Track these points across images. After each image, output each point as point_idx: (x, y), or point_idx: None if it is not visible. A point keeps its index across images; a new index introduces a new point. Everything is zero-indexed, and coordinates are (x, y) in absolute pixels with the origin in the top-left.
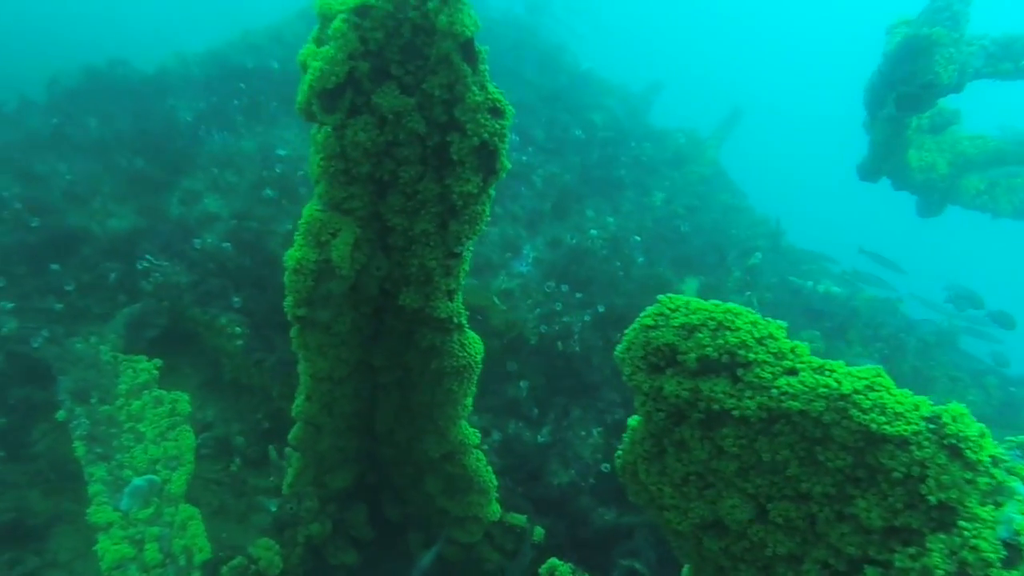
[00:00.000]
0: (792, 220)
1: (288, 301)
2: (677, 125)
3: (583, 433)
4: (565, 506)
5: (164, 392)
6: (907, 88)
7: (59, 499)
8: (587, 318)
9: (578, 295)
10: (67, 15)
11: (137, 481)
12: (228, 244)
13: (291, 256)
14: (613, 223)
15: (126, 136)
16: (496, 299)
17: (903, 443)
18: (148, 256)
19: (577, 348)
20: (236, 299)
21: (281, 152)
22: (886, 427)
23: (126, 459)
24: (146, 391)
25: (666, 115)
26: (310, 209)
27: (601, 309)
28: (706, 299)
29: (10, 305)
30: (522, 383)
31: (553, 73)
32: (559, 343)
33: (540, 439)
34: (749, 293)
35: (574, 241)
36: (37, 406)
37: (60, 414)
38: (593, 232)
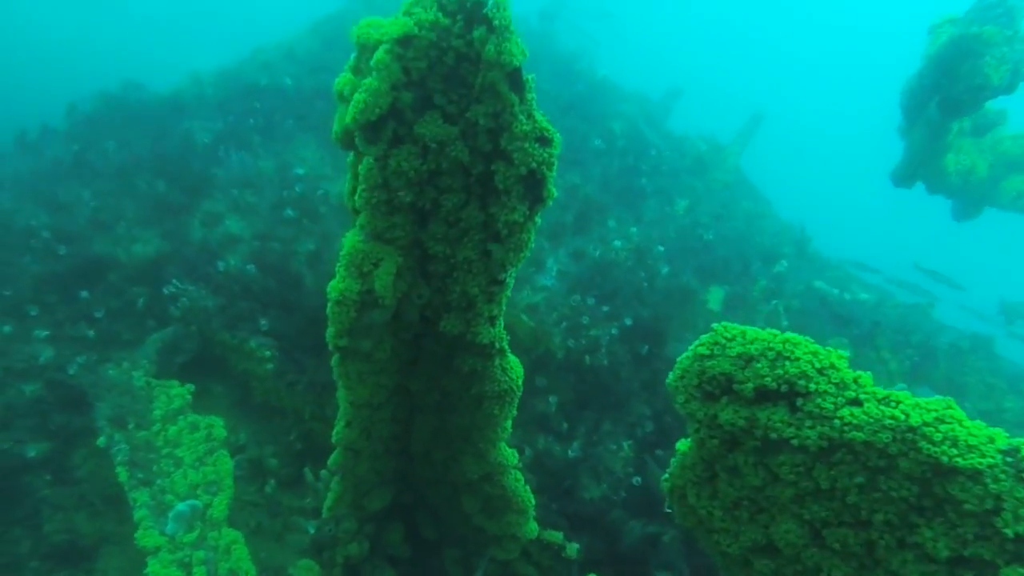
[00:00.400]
0: (817, 226)
1: (330, 331)
2: (696, 132)
3: (613, 447)
4: (599, 521)
5: (199, 417)
6: (953, 91)
7: (104, 522)
8: (614, 331)
9: (604, 308)
10: (82, 42)
11: (180, 507)
12: (252, 266)
13: (334, 288)
14: (636, 233)
15: (145, 160)
16: (523, 315)
17: (976, 475)
18: (175, 281)
19: (605, 361)
20: (263, 322)
21: (299, 171)
22: (958, 459)
23: (167, 484)
24: (181, 416)
25: (685, 122)
26: (352, 239)
27: (628, 322)
28: (732, 308)
29: (45, 333)
30: (551, 398)
31: (569, 81)
32: (587, 357)
33: (571, 454)
34: (776, 301)
35: (598, 253)
36: (76, 432)
37: (101, 440)
38: (617, 243)
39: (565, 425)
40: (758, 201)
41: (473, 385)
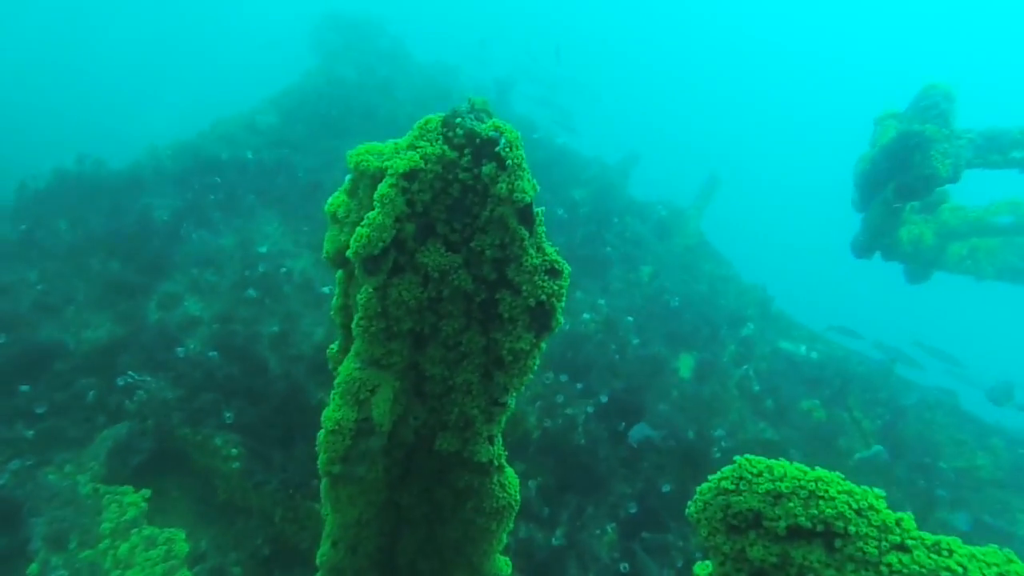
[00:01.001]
0: (778, 285)
1: (322, 459)
2: (653, 194)
3: (597, 531)
4: None
5: (156, 530)
6: (907, 179)
7: None
8: (590, 409)
9: (578, 385)
10: (38, 112)
11: None
12: (215, 353)
13: (329, 417)
14: (604, 304)
15: (99, 238)
16: None
17: None
18: (130, 372)
19: (583, 441)
20: (228, 414)
21: (262, 249)
22: None
23: None
24: (135, 529)
25: (642, 186)
26: (347, 367)
27: (604, 399)
28: (704, 376)
29: None
30: (530, 483)
31: (528, 150)
32: (564, 437)
33: (555, 541)
34: (746, 366)
35: (567, 327)
36: (3, 556)
37: (32, 568)
38: (586, 316)
39: (546, 510)
40: (720, 263)
41: (469, 500)
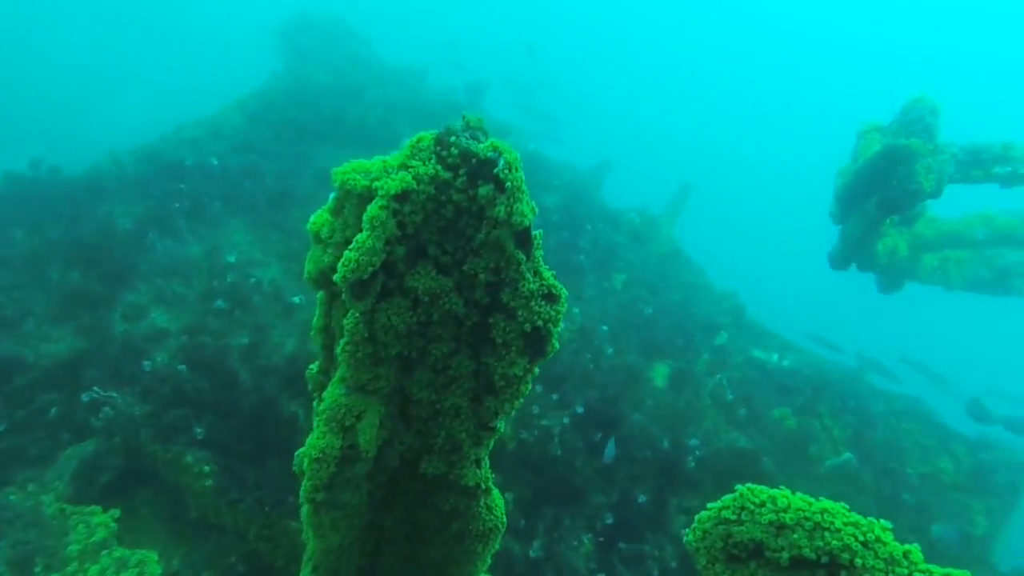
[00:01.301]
0: (750, 293)
1: (305, 486)
2: (625, 201)
3: (575, 543)
4: None
5: (127, 552)
6: (891, 193)
7: None
8: (566, 420)
9: (554, 396)
10: None
11: None
12: (183, 366)
13: (314, 445)
14: (579, 313)
15: (59, 247)
16: None
17: None
18: (96, 388)
19: (559, 452)
20: (199, 429)
21: (230, 259)
22: None
23: None
24: (105, 551)
25: (614, 192)
26: (333, 394)
27: (580, 410)
28: (679, 385)
29: None
30: (507, 495)
31: None
32: (540, 448)
33: (532, 554)
34: (720, 375)
35: None
36: None
37: None
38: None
39: (523, 522)
40: (693, 271)
41: (454, 522)
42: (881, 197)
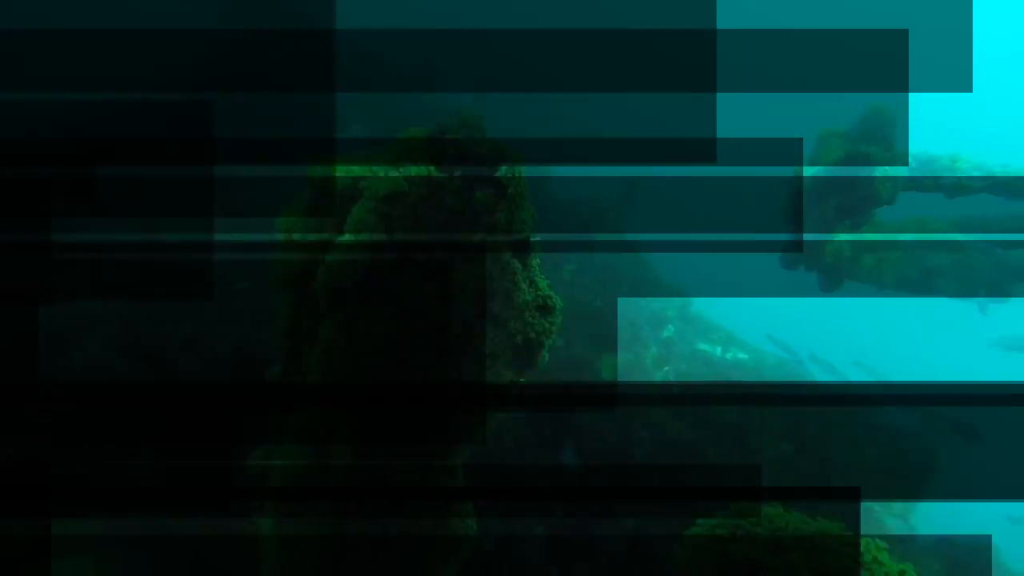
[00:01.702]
0: (698, 286)
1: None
2: (574, 192)
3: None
4: None
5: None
6: (851, 198)
7: None
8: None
9: None
10: None
11: None
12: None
13: (284, 462)
14: None
15: None
16: None
17: None
18: None
19: (510, 446)
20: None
21: None
22: None
23: None
24: None
25: (562, 182)
26: (303, 413)
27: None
28: (626, 378)
29: None
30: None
31: None
32: (492, 443)
33: (486, 547)
34: (667, 368)
35: None
36: None
37: None
38: None
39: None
40: (641, 263)
41: (423, 530)
42: (840, 202)
